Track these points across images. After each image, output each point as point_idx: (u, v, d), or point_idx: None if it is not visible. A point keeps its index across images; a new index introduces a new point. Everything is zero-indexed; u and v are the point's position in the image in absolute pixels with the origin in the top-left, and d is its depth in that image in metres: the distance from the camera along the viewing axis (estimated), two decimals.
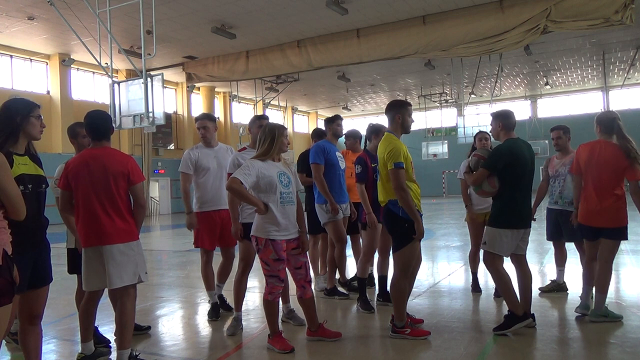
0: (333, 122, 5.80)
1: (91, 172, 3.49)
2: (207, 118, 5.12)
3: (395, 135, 4.21)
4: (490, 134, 4.88)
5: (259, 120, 4.73)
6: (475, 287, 5.75)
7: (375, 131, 5.31)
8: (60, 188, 3.61)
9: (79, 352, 3.80)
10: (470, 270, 5.84)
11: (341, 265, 5.62)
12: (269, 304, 3.94)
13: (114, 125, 11.18)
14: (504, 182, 4.22)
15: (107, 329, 4.51)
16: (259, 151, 3.98)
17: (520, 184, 4.25)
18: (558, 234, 5.44)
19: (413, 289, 5.88)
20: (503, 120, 4.36)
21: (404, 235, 4.07)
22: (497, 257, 4.27)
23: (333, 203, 5.38)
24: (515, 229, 4.23)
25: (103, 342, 4.17)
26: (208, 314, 5.03)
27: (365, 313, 4.96)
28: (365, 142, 5.51)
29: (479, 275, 5.82)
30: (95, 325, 4.31)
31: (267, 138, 3.96)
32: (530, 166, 4.30)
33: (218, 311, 5.02)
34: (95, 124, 3.61)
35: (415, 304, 5.26)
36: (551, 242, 5.70)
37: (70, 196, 3.59)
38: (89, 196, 3.48)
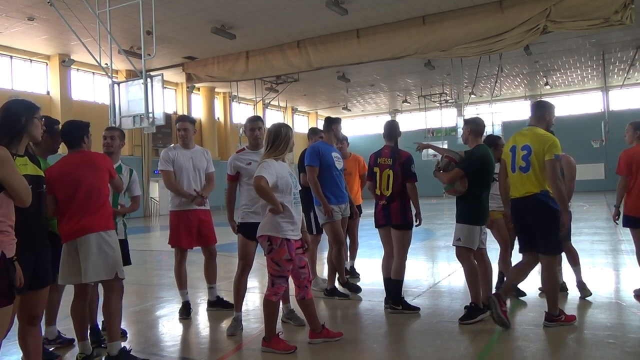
0: (335, 123, 5.77)
1: (76, 172, 3.63)
2: (188, 120, 5.30)
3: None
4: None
5: (252, 123, 4.74)
6: (518, 292, 5.41)
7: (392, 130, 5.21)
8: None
9: (79, 352, 3.80)
10: (505, 275, 5.42)
11: (340, 266, 5.61)
12: (273, 305, 3.93)
13: (114, 125, 11.35)
14: (475, 183, 4.59)
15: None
16: (271, 151, 3.94)
17: (488, 186, 4.73)
18: None
19: (413, 289, 5.92)
20: (473, 126, 4.78)
21: (554, 226, 4.23)
22: (470, 251, 4.63)
23: (326, 205, 5.36)
24: (483, 224, 4.72)
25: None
26: (179, 313, 5.12)
27: (411, 313, 4.85)
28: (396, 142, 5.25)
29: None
30: (96, 322, 4.33)
31: (284, 138, 3.94)
32: (494, 170, 4.83)
33: (189, 310, 5.12)
34: (67, 135, 3.86)
35: (415, 304, 5.25)
36: None
37: (54, 199, 3.66)
38: (73, 195, 3.60)
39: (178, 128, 5.22)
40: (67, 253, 3.64)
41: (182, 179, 5.07)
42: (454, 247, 4.77)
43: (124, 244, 4.30)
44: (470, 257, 4.66)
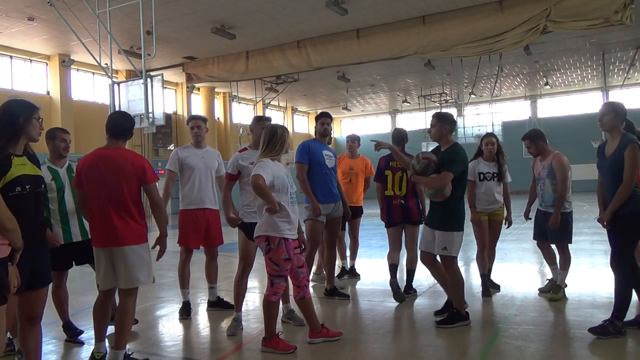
0: (316, 120, 5.66)
1: (103, 173, 3.52)
2: (200, 119, 5.30)
3: None
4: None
5: (261, 122, 4.72)
6: (485, 291, 5.50)
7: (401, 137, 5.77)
8: (75, 187, 3.72)
9: (95, 351, 3.76)
10: (479, 271, 5.65)
11: (310, 265, 5.35)
12: (273, 305, 3.93)
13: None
14: (456, 186, 4.35)
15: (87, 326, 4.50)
16: (267, 151, 3.94)
17: (465, 188, 4.57)
18: (542, 234, 5.48)
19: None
20: (450, 124, 4.60)
21: None
22: (455, 260, 4.50)
23: (314, 202, 5.27)
24: (463, 230, 4.48)
25: (76, 333, 4.33)
26: (179, 312, 5.13)
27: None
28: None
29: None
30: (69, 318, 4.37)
31: (279, 139, 3.96)
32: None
33: (189, 310, 5.12)
34: (115, 122, 3.70)
35: (416, 304, 5.26)
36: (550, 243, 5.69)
37: (85, 195, 3.62)
38: (101, 197, 3.52)
39: (191, 127, 5.21)
40: (99, 258, 3.58)
41: (194, 178, 5.05)
42: (440, 256, 4.57)
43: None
44: (455, 265, 4.53)
